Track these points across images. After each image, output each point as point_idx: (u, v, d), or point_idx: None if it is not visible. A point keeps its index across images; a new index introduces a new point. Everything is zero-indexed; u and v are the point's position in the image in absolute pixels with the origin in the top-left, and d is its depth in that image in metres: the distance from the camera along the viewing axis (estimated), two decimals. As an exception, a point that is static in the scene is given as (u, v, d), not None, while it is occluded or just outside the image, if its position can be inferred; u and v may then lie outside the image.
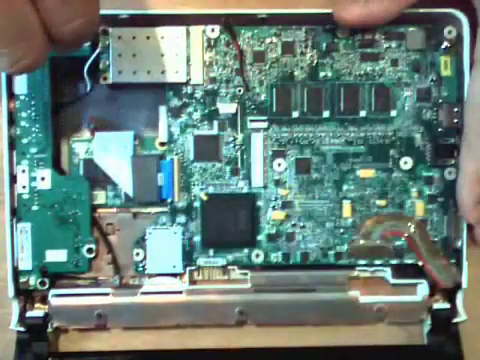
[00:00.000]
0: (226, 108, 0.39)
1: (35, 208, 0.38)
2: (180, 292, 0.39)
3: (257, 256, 0.39)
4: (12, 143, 0.38)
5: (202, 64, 0.38)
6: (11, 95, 0.38)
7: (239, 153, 0.39)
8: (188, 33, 0.38)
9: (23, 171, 0.38)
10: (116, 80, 0.38)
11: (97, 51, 0.37)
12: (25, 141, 0.38)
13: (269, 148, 0.39)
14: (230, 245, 0.39)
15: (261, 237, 0.39)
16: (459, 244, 0.39)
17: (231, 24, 0.38)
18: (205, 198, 0.39)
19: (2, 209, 0.38)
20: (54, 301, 0.39)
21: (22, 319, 0.39)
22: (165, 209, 0.39)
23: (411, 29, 0.39)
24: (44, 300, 0.39)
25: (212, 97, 0.39)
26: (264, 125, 0.39)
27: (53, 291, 0.39)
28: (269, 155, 0.39)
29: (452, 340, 0.40)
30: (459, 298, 0.39)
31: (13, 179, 0.38)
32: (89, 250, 0.39)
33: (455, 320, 0.39)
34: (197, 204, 0.39)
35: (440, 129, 0.39)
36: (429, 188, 0.39)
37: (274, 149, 0.39)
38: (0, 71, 0.37)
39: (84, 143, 0.40)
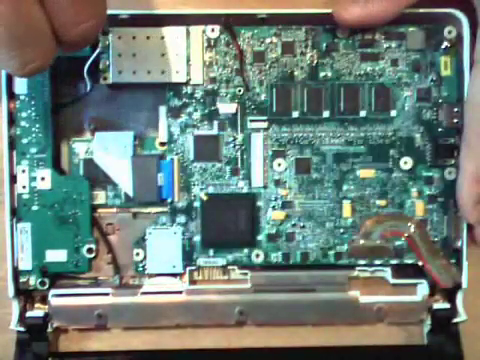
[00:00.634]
0: (226, 108, 0.39)
1: (35, 208, 0.38)
2: (180, 292, 0.39)
3: (257, 256, 0.39)
4: (12, 143, 0.38)
5: (202, 64, 0.38)
6: (11, 95, 0.38)
7: (239, 153, 0.39)
8: (188, 33, 0.38)
9: (23, 171, 0.38)
10: (116, 80, 0.38)
11: (97, 51, 0.37)
12: (25, 141, 0.38)
13: (269, 148, 0.39)
14: (230, 245, 0.39)
15: (261, 237, 0.39)
16: (459, 244, 0.39)
17: (231, 24, 0.38)
18: (205, 198, 0.39)
19: (2, 209, 0.38)
20: (54, 301, 0.39)
21: (22, 319, 0.39)
22: (165, 209, 0.39)
23: (411, 29, 0.39)
24: (44, 300, 0.39)
25: (212, 97, 0.39)
26: (264, 125, 0.39)
27: (53, 291, 0.39)
28: (269, 155, 0.39)
29: (452, 340, 0.40)
30: (459, 298, 0.39)
31: (13, 179, 0.38)
32: (89, 250, 0.39)
33: (455, 320, 0.39)
34: (197, 204, 0.39)
35: (440, 129, 0.39)
36: (429, 188, 0.39)
37: (274, 149, 0.39)
38: (11, 74, 0.36)
39: (84, 143, 0.40)
